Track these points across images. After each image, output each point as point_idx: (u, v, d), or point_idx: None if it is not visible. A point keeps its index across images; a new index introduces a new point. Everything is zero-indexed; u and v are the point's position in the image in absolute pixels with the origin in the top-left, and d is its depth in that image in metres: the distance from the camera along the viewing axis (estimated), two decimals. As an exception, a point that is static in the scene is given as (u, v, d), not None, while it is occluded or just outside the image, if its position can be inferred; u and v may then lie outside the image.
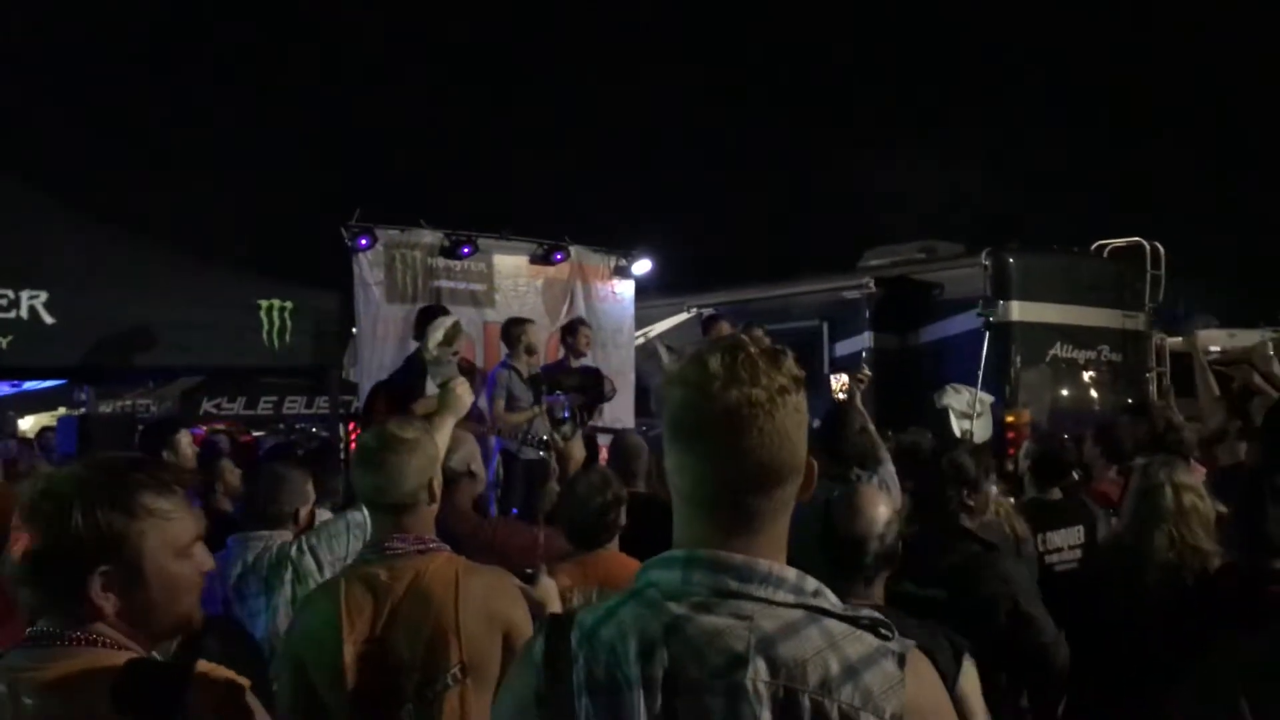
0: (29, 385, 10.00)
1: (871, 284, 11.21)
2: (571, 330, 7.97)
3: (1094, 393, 10.50)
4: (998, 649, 3.26)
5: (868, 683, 1.28)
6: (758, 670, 1.27)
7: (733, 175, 21.33)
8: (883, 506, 2.82)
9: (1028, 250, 10.79)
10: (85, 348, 6.33)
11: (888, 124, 23.08)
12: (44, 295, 6.11)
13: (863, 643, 1.32)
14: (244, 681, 1.65)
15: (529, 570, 2.87)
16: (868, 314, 11.09)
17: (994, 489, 4.18)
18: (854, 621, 1.34)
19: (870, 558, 2.74)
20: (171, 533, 1.62)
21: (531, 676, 1.36)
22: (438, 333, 6.82)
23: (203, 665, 1.59)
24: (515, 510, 6.81)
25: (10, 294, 6.04)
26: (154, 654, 1.61)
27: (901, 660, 1.32)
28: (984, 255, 10.38)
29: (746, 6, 22.90)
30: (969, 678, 2.59)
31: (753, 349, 1.36)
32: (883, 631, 1.34)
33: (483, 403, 7.22)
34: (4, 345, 6.03)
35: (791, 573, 1.36)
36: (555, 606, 2.80)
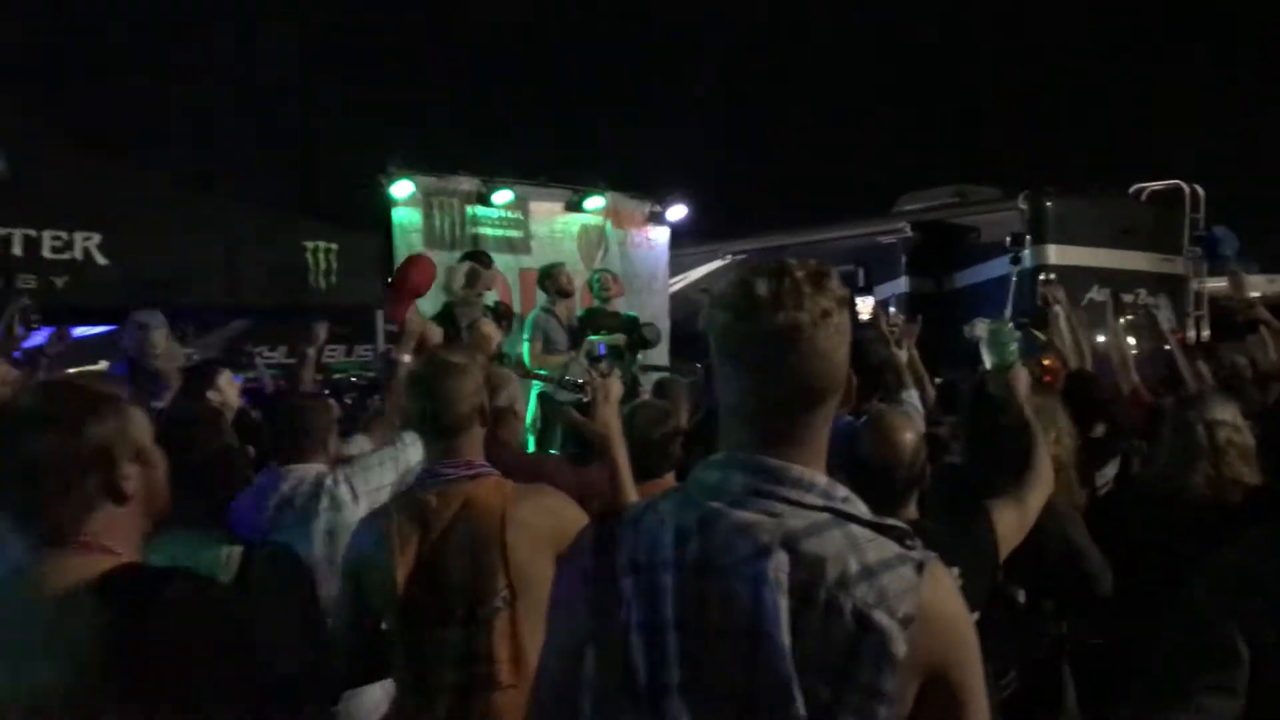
0: (75, 334, 10.17)
1: (907, 228, 11.18)
2: (548, 274, 7.80)
3: (1132, 337, 10.46)
4: (1043, 577, 3.33)
5: (884, 584, 1.34)
6: (780, 562, 1.34)
7: (768, 121, 21.13)
8: (909, 432, 2.85)
9: (1064, 193, 10.70)
10: (137, 288, 6.48)
11: (924, 69, 22.70)
12: (97, 237, 6.26)
13: (884, 548, 1.38)
14: (224, 585, 1.76)
15: (584, 399, 2.86)
16: (903, 259, 11.08)
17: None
18: (878, 528, 1.40)
19: (899, 484, 2.80)
20: (141, 417, 1.76)
21: (582, 559, 1.49)
22: (459, 275, 6.96)
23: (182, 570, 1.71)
24: (552, 452, 6.95)
25: (65, 235, 6.20)
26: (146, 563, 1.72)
27: (920, 567, 1.37)
28: (1020, 199, 10.31)
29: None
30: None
31: (798, 272, 1.41)
32: (906, 541, 1.40)
33: (519, 346, 7.35)
34: (60, 286, 6.20)
35: (823, 479, 1.43)
36: (616, 437, 2.83)
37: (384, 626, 2.63)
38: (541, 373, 7.14)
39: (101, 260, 6.35)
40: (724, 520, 1.40)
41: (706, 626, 1.37)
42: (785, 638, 1.32)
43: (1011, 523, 2.90)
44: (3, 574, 1.65)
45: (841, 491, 1.43)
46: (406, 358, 4.55)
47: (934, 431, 4.30)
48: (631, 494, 2.78)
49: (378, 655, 2.63)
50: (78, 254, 6.28)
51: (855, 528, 1.40)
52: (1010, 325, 3.45)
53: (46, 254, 6.25)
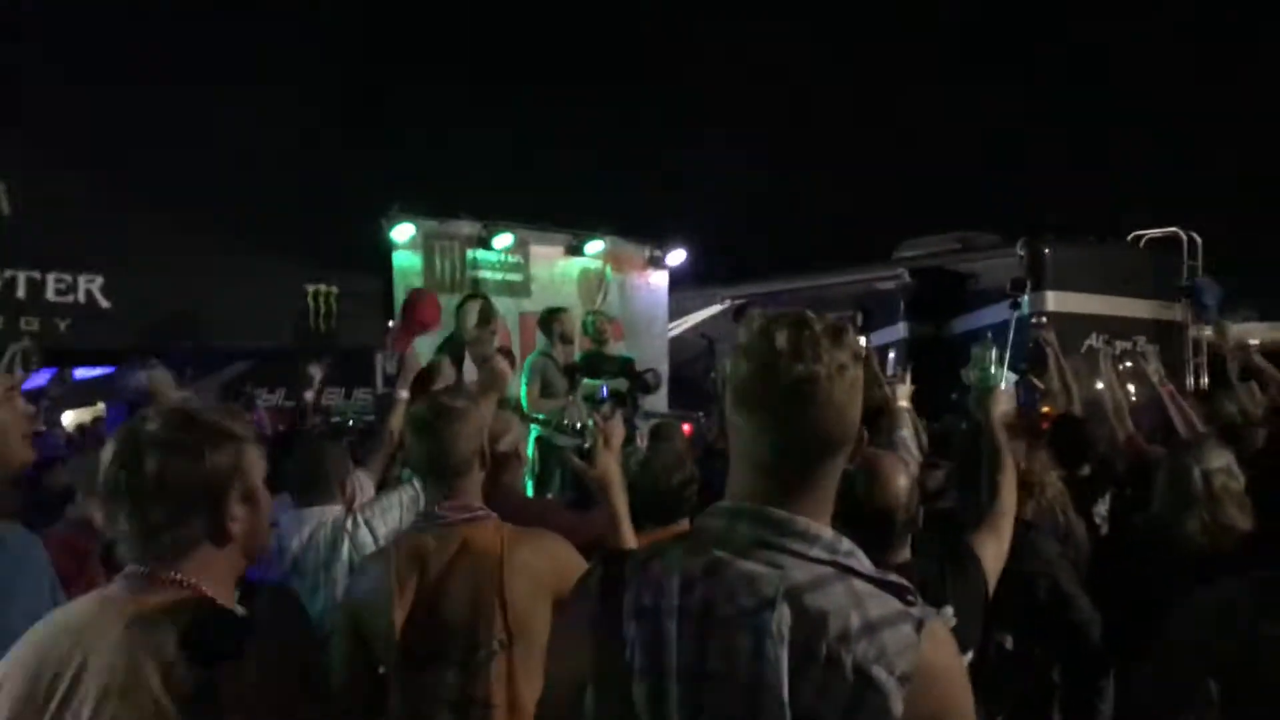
0: (76, 375, 10.21)
1: (906, 275, 11.24)
2: (551, 318, 7.71)
3: (1130, 384, 10.49)
4: (1035, 623, 3.33)
5: (884, 640, 1.36)
6: (783, 615, 1.36)
7: (767, 167, 21.31)
8: (904, 477, 2.86)
9: (1063, 240, 10.77)
10: (139, 330, 6.53)
11: (924, 115, 22.94)
12: (100, 279, 6.32)
13: (885, 605, 1.40)
14: (305, 639, 1.78)
15: (586, 446, 2.86)
16: (902, 304, 11.13)
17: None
18: (880, 584, 1.42)
19: (895, 527, 2.81)
20: (258, 458, 1.76)
21: (588, 601, 1.50)
22: (471, 314, 7.01)
23: (265, 620, 1.71)
24: (551, 496, 6.94)
25: (69, 278, 6.26)
26: (236, 607, 1.72)
27: (920, 625, 1.39)
28: (1019, 245, 10.38)
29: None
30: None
31: (817, 325, 1.44)
32: (908, 597, 1.42)
33: (518, 391, 7.36)
34: (62, 328, 6.25)
35: (828, 532, 1.45)
36: (616, 484, 2.83)
37: (381, 669, 2.63)
38: (539, 417, 7.14)
39: (104, 302, 6.41)
40: (729, 570, 1.42)
41: (708, 675, 1.39)
42: (785, 691, 1.34)
43: (993, 555, 2.93)
44: (96, 603, 1.65)
45: (845, 545, 1.46)
46: (404, 394, 4.58)
47: (927, 480, 4.33)
48: (631, 540, 2.78)
49: (375, 697, 2.62)
50: (81, 296, 6.35)
51: (858, 582, 1.42)
52: (994, 350, 3.46)
53: (50, 296, 6.30)
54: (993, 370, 3.47)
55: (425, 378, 5.05)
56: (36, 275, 6.30)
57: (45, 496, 4.38)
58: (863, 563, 1.45)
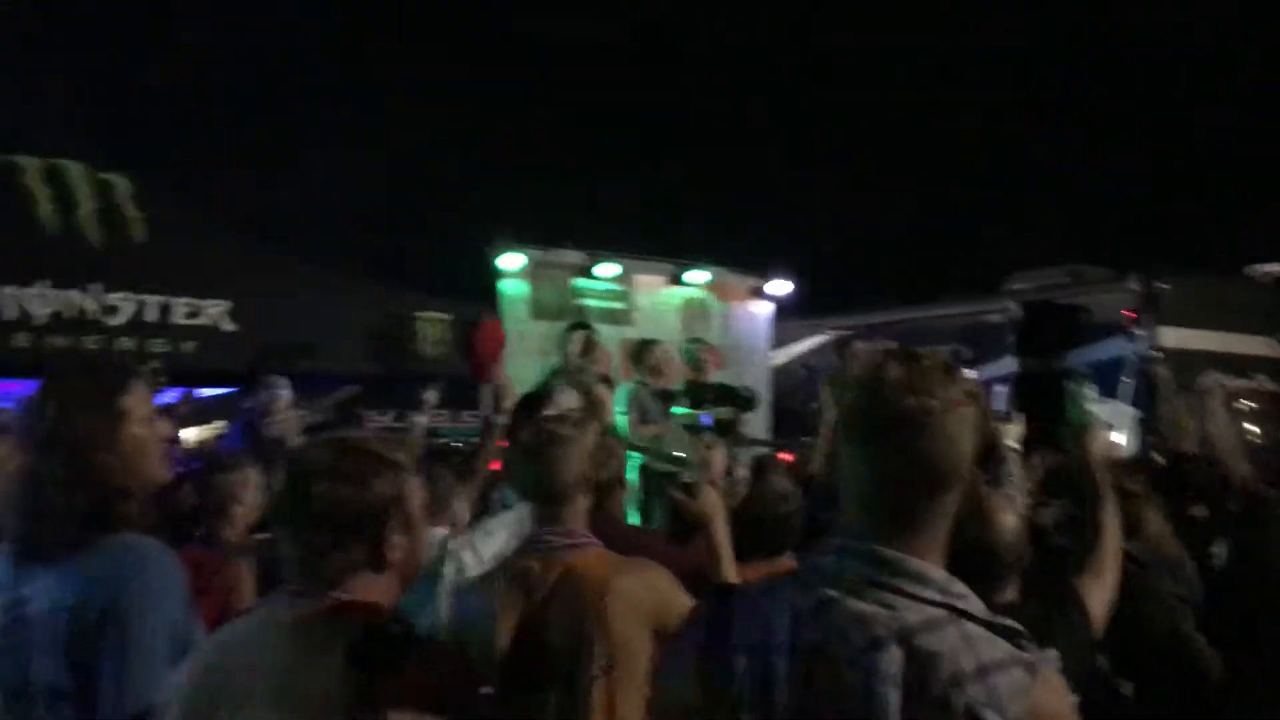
0: (197, 394, 10.65)
1: (1015, 307, 11.01)
2: (644, 350, 7.80)
3: (1249, 424, 10.07)
4: (1150, 668, 3.24)
5: (996, 684, 1.35)
6: (894, 656, 1.36)
7: (874, 196, 21.11)
8: (1011, 515, 2.83)
9: (1179, 274, 10.44)
10: (260, 353, 6.82)
11: (1034, 144, 22.48)
12: (225, 305, 6.64)
13: (998, 648, 1.39)
14: (463, 655, 1.82)
15: (689, 480, 2.88)
16: (1012, 338, 10.89)
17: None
18: (993, 627, 1.41)
19: (1001, 566, 2.77)
20: (418, 487, 1.83)
21: (697, 634, 1.54)
22: (575, 344, 7.11)
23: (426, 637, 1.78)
24: (651, 524, 6.97)
25: (195, 303, 6.59)
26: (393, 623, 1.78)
27: (1032, 669, 1.38)
28: (1133, 279, 10.10)
29: (881, 26, 22.66)
30: None
31: (928, 362, 1.46)
32: (1020, 642, 1.41)
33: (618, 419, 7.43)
34: (189, 350, 6.57)
35: (941, 574, 1.45)
36: (718, 518, 2.84)
37: (483, 690, 2.69)
38: (640, 444, 7.19)
39: (228, 326, 6.72)
40: (839, 609, 1.42)
41: (818, 714, 1.40)
42: None
43: (1099, 597, 2.86)
44: (259, 619, 1.74)
45: (959, 588, 1.45)
46: (499, 420, 4.66)
47: (1036, 518, 4.24)
48: (732, 573, 2.79)
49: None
50: (206, 320, 6.66)
51: (970, 625, 1.41)
52: (1091, 386, 3.39)
53: (178, 320, 6.64)
54: (1089, 407, 3.40)
55: (534, 404, 5.11)
56: (166, 300, 6.65)
57: (172, 513, 4.58)
58: (975, 605, 1.44)
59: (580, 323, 7.95)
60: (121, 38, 8.29)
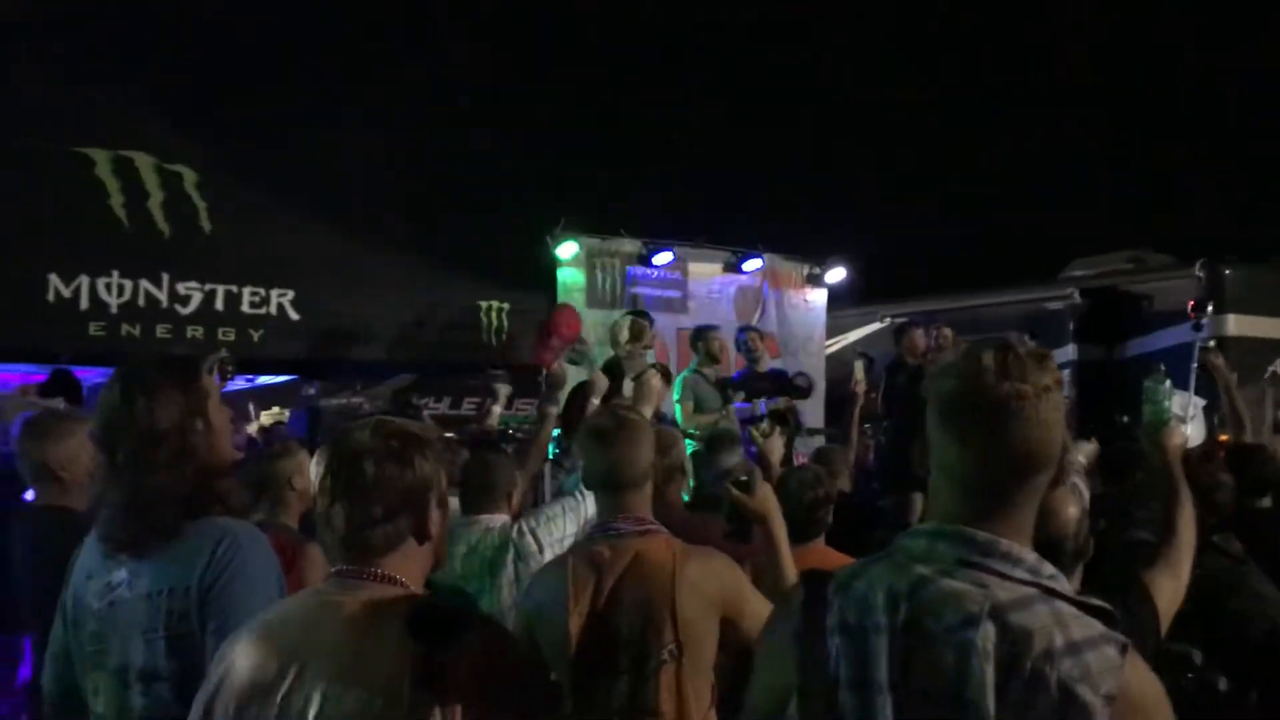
0: (262, 380, 10.89)
1: (1076, 294, 10.88)
2: (699, 337, 7.81)
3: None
4: (1247, 664, 3.20)
5: (1088, 660, 1.38)
6: (988, 632, 1.39)
7: (930, 180, 20.86)
8: (1073, 507, 2.84)
9: (1245, 261, 10.23)
10: (323, 342, 6.96)
11: (1097, 125, 22.04)
12: (291, 293, 6.78)
13: (1089, 626, 1.42)
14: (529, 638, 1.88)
15: (743, 478, 2.91)
16: (1072, 325, 10.77)
17: None
18: (1083, 607, 1.45)
19: (1065, 558, 2.76)
20: (445, 466, 1.90)
21: (792, 618, 1.57)
22: (624, 329, 7.16)
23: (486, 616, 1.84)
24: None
25: (262, 292, 6.73)
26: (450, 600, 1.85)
27: (1124, 649, 1.41)
28: (1197, 266, 9.92)
29: (936, 8, 22.33)
30: None
31: (1021, 350, 1.49)
32: (1112, 622, 1.45)
33: (672, 407, 7.47)
34: (255, 339, 6.72)
35: (1031, 555, 1.48)
36: (775, 514, 2.87)
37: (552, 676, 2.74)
38: (694, 432, 7.23)
39: (294, 315, 6.85)
40: (933, 587, 1.46)
41: (913, 691, 1.43)
42: (991, 706, 1.37)
43: (1168, 592, 2.84)
44: (312, 599, 1.81)
45: (1049, 569, 1.48)
46: (553, 409, 4.69)
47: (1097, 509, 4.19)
48: (791, 572, 2.81)
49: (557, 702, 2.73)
50: (273, 309, 6.81)
51: (1061, 604, 1.44)
52: (1167, 382, 3.35)
53: (245, 309, 6.79)
54: (1165, 404, 3.36)
55: (579, 392, 5.16)
56: (234, 289, 6.80)
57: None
58: (1064, 586, 1.47)
59: (630, 310, 7.99)
60: (185, 31, 8.45)
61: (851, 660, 1.47)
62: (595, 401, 4.70)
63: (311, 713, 1.65)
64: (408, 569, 1.82)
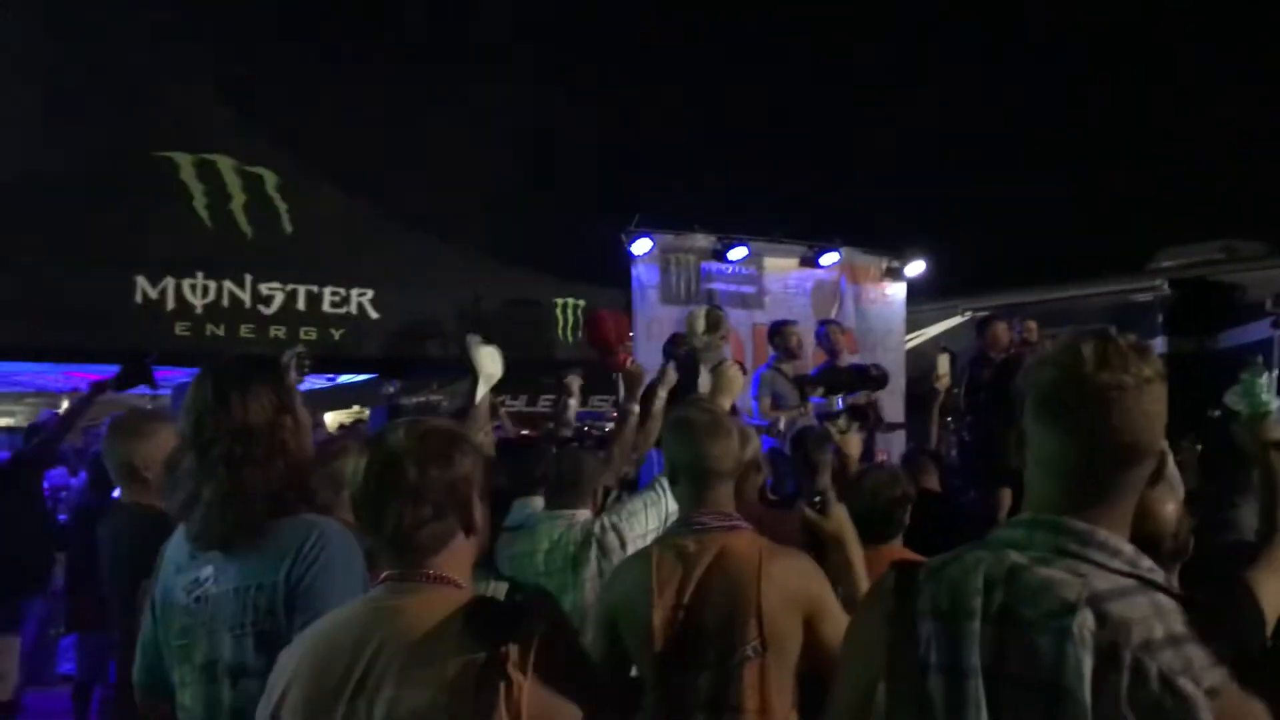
0: (341, 380, 11.06)
1: (1165, 286, 10.56)
2: (777, 332, 7.80)
3: None
4: None
5: (1189, 653, 1.34)
6: (1085, 619, 1.36)
7: (1012, 171, 20.44)
8: (1170, 504, 2.75)
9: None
10: (403, 340, 7.05)
11: (1181, 113, 21.39)
12: (370, 293, 6.87)
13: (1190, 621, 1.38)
14: (571, 629, 1.88)
15: (817, 499, 2.90)
16: (1161, 318, 10.46)
17: None
18: (1185, 601, 1.41)
19: (1163, 557, 2.67)
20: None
21: (883, 601, 1.55)
22: (698, 321, 7.11)
23: (532, 605, 1.82)
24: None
25: (343, 291, 6.84)
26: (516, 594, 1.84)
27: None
28: (1292, 255, 9.57)
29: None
30: None
31: (1122, 341, 1.48)
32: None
33: (748, 402, 7.40)
34: (337, 337, 6.82)
35: (1129, 547, 1.46)
36: (850, 535, 2.84)
37: (634, 671, 2.71)
38: (771, 428, 7.15)
39: (373, 314, 6.94)
40: (1029, 574, 1.44)
41: (1008, 677, 1.41)
42: (1087, 695, 1.34)
43: (1274, 593, 2.72)
44: (370, 605, 1.81)
45: (1147, 562, 1.46)
46: (635, 407, 4.67)
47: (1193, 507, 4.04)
48: (865, 587, 2.77)
49: (630, 696, 2.70)
50: (353, 308, 6.91)
51: (1161, 596, 1.41)
52: (1266, 374, 3.20)
53: (326, 308, 6.90)
54: (1264, 396, 3.23)
55: (650, 389, 5.12)
56: (315, 289, 6.92)
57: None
58: (1163, 579, 1.44)
59: (713, 306, 7.94)
60: (262, 37, 8.63)
61: (943, 645, 1.46)
62: (663, 394, 4.66)
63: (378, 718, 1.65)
64: (458, 565, 1.82)
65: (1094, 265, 12.47)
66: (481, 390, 4.61)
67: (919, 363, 10.12)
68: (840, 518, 2.87)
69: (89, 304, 7.25)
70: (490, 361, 4.70)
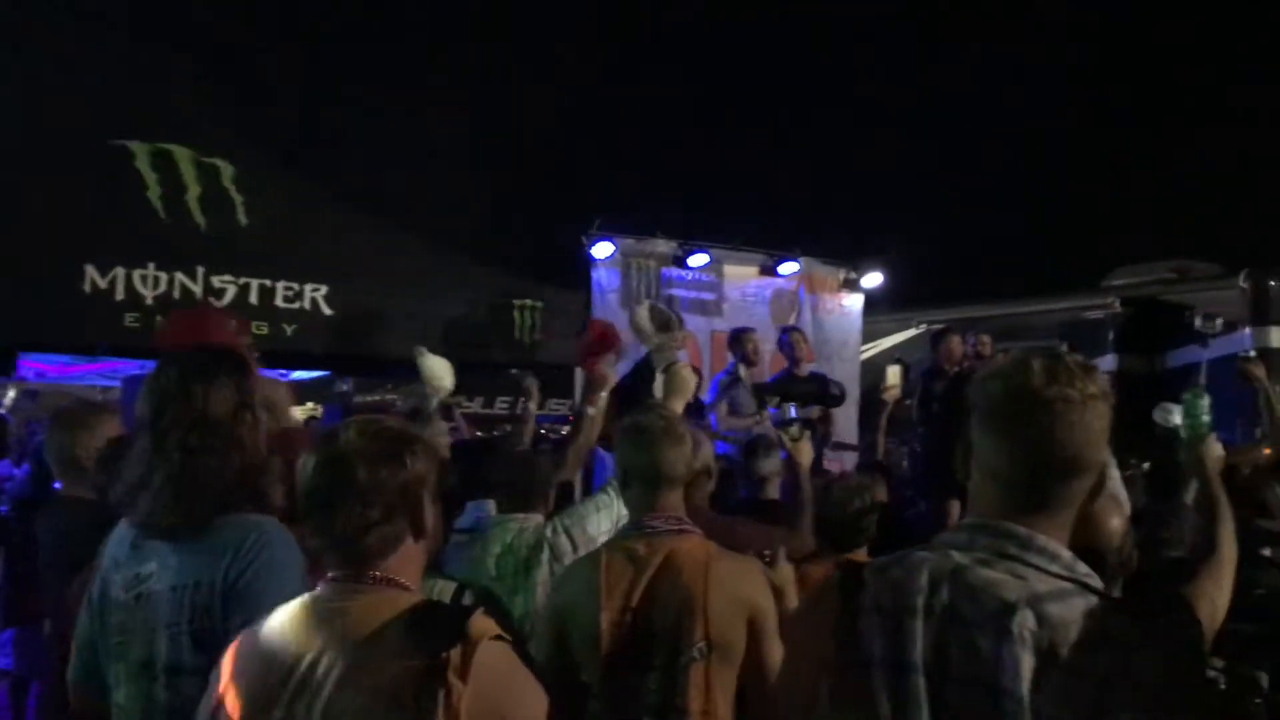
0: (295, 376, 10.93)
1: (1117, 304, 10.71)
2: (736, 340, 7.76)
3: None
4: None
5: (1126, 655, 1.38)
6: (1025, 619, 1.41)
7: (969, 186, 20.69)
8: (1116, 519, 2.79)
9: (1291, 273, 10.01)
10: (356, 338, 6.98)
11: (1139, 131, 21.77)
12: (325, 289, 6.80)
13: (1125, 623, 1.43)
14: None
15: (766, 555, 2.98)
16: (1112, 335, 10.60)
17: None
18: (1116, 605, 1.49)
19: (1107, 570, 2.70)
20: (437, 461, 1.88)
21: (828, 598, 1.59)
22: (644, 318, 7.03)
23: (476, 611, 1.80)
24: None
25: (296, 286, 6.75)
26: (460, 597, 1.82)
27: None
28: (1242, 277, 9.73)
29: (980, 15, 22.15)
30: None
31: (1070, 360, 1.54)
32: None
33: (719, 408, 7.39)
34: (289, 333, 6.73)
35: (1067, 553, 1.52)
36: (791, 592, 2.90)
37: (582, 676, 2.70)
38: (727, 435, 7.15)
39: (327, 310, 6.87)
40: (971, 575, 1.49)
41: (950, 676, 1.45)
42: (1026, 694, 1.38)
43: (1208, 608, 2.78)
44: (309, 607, 1.76)
45: (1083, 568, 1.51)
46: (592, 410, 4.64)
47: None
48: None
49: (576, 701, 2.69)
50: (306, 304, 6.83)
51: (1096, 599, 1.46)
52: (1206, 396, 3.27)
53: (279, 303, 6.81)
54: (1204, 418, 3.29)
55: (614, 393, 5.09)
56: (268, 283, 6.83)
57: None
58: (1098, 584, 1.50)
59: (659, 308, 7.89)
60: (224, 24, 8.50)
61: (886, 640, 1.50)
62: (603, 395, 4.62)
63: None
64: (406, 568, 1.79)
65: (1048, 282, 12.64)
66: (432, 402, 4.57)
67: (874, 374, 10.18)
68: (786, 576, 2.96)
69: (34, 291, 7.11)
70: (439, 373, 4.67)
